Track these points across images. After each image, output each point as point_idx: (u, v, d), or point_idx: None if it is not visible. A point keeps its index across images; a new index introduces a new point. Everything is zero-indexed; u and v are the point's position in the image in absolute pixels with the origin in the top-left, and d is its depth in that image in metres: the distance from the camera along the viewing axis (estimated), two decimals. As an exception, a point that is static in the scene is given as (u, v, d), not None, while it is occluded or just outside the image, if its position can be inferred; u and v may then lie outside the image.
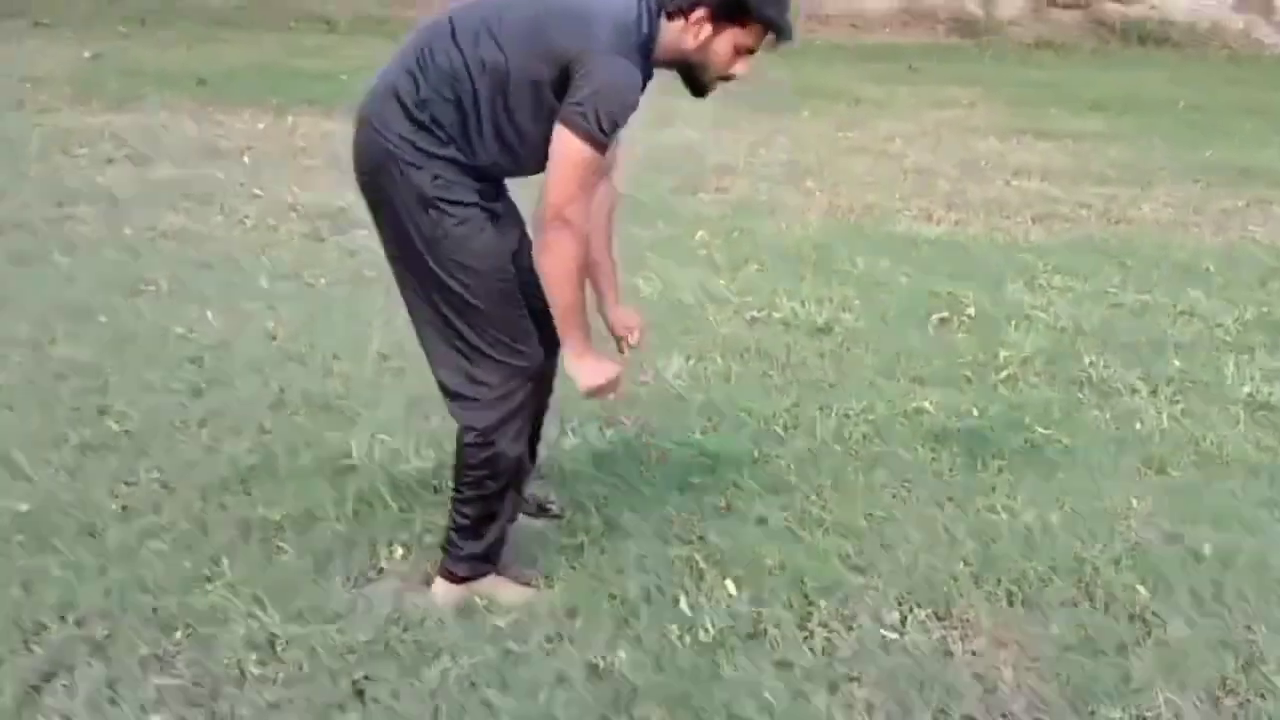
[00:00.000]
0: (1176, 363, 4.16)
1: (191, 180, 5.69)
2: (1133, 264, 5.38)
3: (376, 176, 2.35)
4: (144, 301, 4.18)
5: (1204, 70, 12.93)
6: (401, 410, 3.36)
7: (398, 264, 2.42)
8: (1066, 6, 15.01)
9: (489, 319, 2.38)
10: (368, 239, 4.96)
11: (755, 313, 4.52)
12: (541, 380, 2.57)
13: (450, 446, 2.49)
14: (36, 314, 3.98)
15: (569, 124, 2.24)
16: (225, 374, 3.63)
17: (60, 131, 6.36)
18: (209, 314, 4.09)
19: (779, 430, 3.44)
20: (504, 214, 2.46)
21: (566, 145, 2.26)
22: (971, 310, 4.64)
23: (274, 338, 3.96)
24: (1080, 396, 3.85)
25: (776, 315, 4.49)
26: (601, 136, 2.24)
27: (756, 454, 3.26)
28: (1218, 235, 6.06)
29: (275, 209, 5.36)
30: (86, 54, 8.61)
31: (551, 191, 2.28)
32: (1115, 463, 3.32)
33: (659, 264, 5.01)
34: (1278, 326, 4.62)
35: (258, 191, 5.61)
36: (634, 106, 2.29)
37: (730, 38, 2.35)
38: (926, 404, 3.69)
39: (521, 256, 2.45)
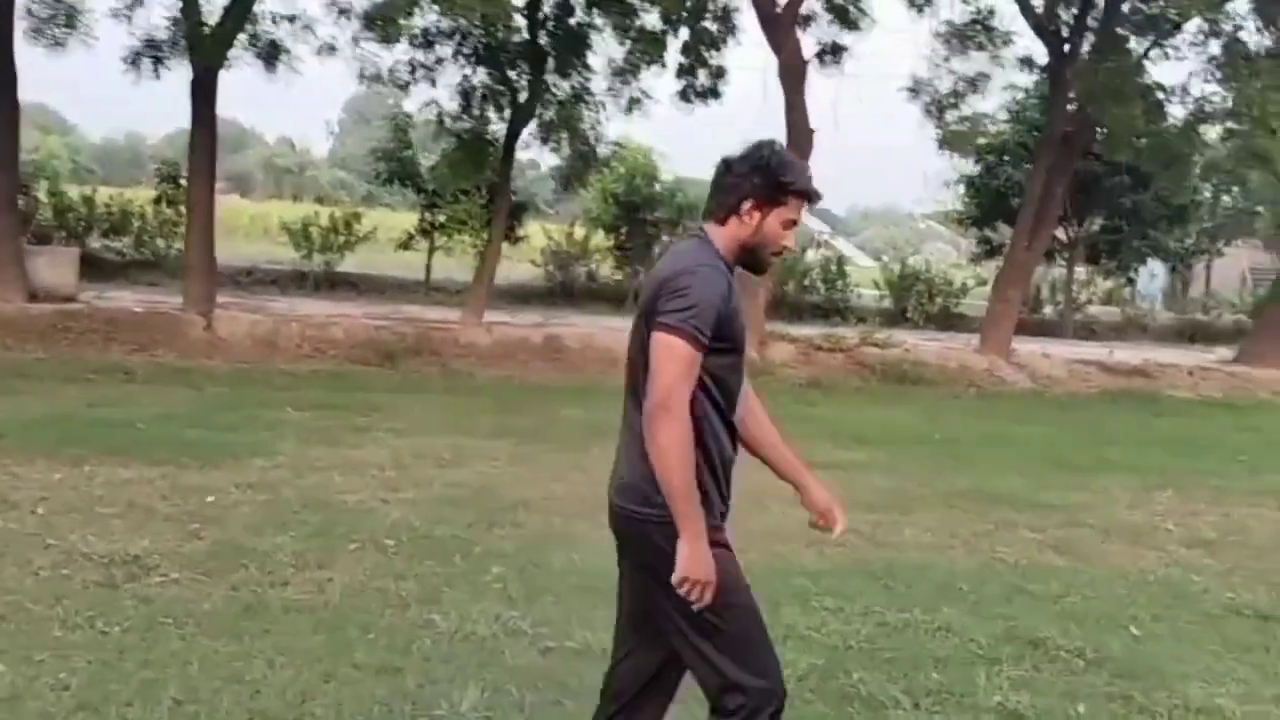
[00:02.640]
0: (935, 675, 4.56)
1: (-19, 533, 5.64)
2: (895, 584, 5.87)
3: None
4: (-67, 656, 4.11)
5: (955, 406, 14.27)
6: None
7: None
8: (830, 350, 16.43)
9: None
10: (162, 586, 5.07)
11: (550, 643, 4.72)
12: None
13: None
14: None
15: (664, 328, 2.64)
16: (15, 726, 3.61)
17: None
18: (1, 666, 4.06)
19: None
20: None
21: (664, 344, 2.63)
22: (749, 633, 4.97)
23: (67, 688, 3.94)
24: (850, 710, 4.19)
25: (570, 644, 4.70)
26: (686, 324, 2.62)
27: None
28: (970, 556, 6.67)
29: (68, 559, 5.35)
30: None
31: (654, 385, 2.62)
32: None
33: (454, 598, 5.21)
34: (1023, 639, 5.11)
35: (51, 541, 5.58)
36: (717, 299, 2.67)
37: (777, 216, 2.79)
38: None
39: None
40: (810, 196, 2.85)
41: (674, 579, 2.66)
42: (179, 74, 13.80)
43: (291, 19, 14.39)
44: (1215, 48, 16.76)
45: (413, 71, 15.47)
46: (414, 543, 6.07)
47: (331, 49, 15.02)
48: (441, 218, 22.16)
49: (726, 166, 2.86)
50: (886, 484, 8.67)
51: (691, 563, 2.65)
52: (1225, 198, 27.57)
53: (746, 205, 2.79)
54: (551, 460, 8.59)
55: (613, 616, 5.10)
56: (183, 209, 18.46)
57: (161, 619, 4.65)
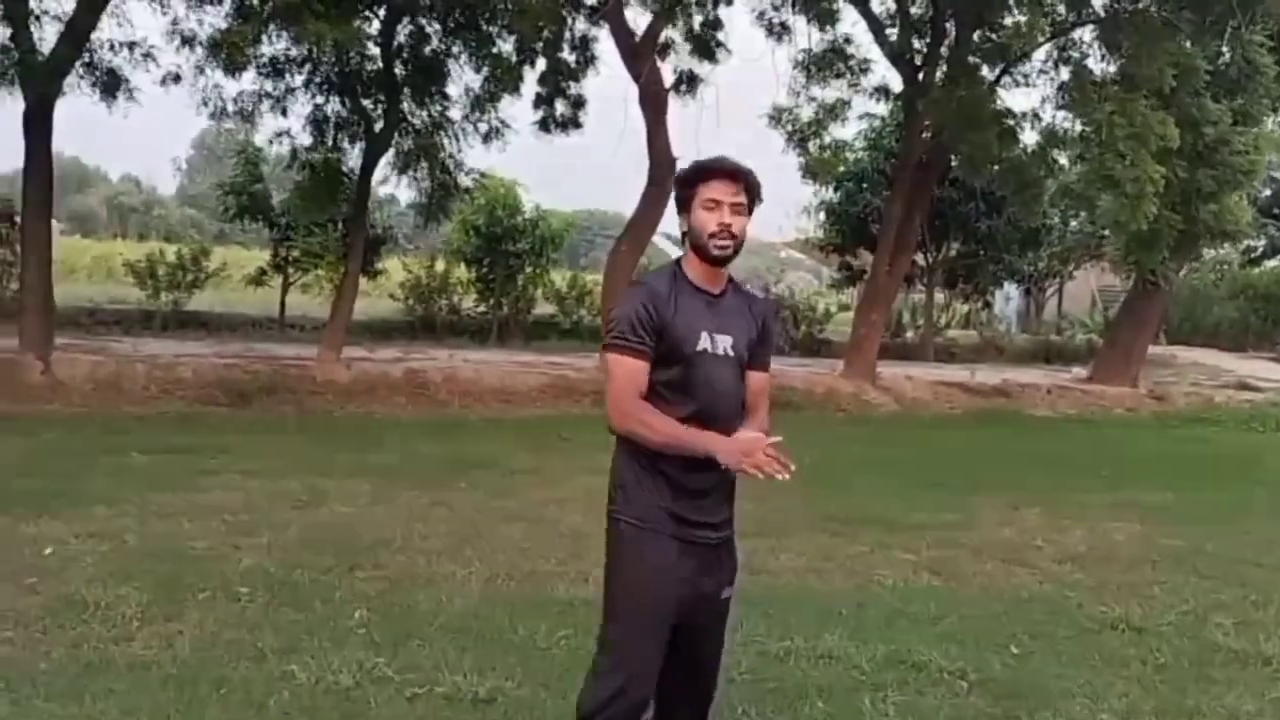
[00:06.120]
0: (820, 704, 4.43)
1: None
2: (774, 612, 5.71)
3: None
4: None
5: (823, 430, 14.26)
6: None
7: None
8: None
9: None
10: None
11: (417, 689, 4.47)
12: None
13: None
14: None
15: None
16: None
17: None
18: None
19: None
20: None
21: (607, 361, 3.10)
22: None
23: None
24: (727, 746, 3.99)
25: (439, 690, 4.47)
26: (613, 340, 3.06)
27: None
28: (847, 580, 6.58)
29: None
30: None
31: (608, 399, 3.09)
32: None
33: (314, 646, 4.89)
34: (905, 662, 5.01)
35: None
36: (637, 307, 3.07)
37: (696, 209, 3.13)
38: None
39: None
40: (703, 172, 3.15)
41: (734, 466, 3.01)
42: (13, 111, 13.03)
43: (131, 46, 13.73)
44: (1064, 74, 17.34)
45: (259, 101, 14.89)
46: (269, 590, 5.73)
47: (176, 78, 14.39)
48: (295, 252, 21.48)
49: None
50: (758, 510, 8.47)
51: (727, 450, 3.00)
52: (1073, 221, 28.50)
53: (680, 217, 3.21)
54: (413, 498, 8.26)
55: (481, 657, 4.89)
56: (19, 248, 17.53)
57: (-12, 684, 4.22)
